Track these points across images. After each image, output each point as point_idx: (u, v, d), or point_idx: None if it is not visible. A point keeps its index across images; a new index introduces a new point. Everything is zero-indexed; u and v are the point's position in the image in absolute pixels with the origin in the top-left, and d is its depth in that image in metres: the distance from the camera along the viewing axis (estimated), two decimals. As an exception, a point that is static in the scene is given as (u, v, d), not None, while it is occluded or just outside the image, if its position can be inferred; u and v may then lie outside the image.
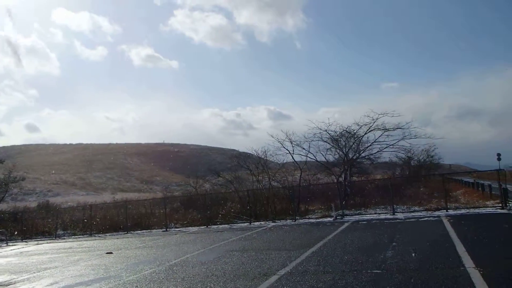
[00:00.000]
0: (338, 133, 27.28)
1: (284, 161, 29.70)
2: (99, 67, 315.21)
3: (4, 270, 14.85)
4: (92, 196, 68.81)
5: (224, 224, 24.40)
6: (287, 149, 28.00)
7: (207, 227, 24.18)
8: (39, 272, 13.72)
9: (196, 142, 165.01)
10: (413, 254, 10.66)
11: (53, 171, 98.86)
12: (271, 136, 28.21)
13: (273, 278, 9.33)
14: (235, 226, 23.51)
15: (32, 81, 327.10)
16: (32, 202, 63.37)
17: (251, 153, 33.90)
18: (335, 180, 27.64)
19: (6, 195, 40.87)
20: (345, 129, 27.09)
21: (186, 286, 9.41)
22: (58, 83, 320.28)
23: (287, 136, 27.85)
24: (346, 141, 27.65)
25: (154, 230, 24.93)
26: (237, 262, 11.74)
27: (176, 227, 25.48)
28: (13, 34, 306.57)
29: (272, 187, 27.41)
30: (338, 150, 28.24)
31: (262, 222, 23.63)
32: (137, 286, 9.91)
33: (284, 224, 22.03)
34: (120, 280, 10.87)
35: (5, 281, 12.65)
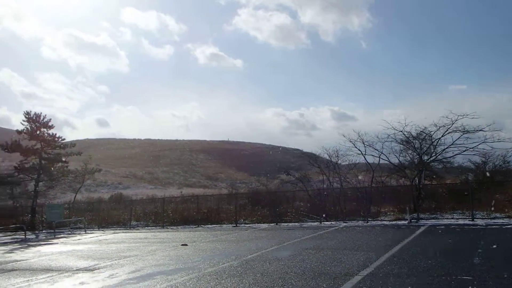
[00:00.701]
0: (413, 134, 26.27)
1: (357, 162, 29.02)
2: (166, 65, 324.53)
3: (87, 256, 15.56)
4: (159, 190, 70.99)
5: (294, 222, 24.28)
6: (359, 149, 27.38)
7: (276, 224, 24.18)
8: (119, 259, 14.22)
9: (258, 141, 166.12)
10: (504, 262, 10.02)
11: (123, 165, 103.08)
12: (343, 135, 27.62)
13: (356, 279, 9.07)
14: (305, 224, 23.32)
15: (102, 78, 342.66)
16: (104, 194, 66.33)
17: (315, 153, 33.59)
18: (407, 183, 26.72)
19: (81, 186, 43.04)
20: (422, 130, 26.04)
21: (267, 281, 9.36)
22: (126, 80, 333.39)
23: (359, 136, 27.23)
24: (421, 142, 26.57)
25: (224, 225, 25.27)
26: (315, 260, 11.56)
27: (245, 223, 25.68)
28: (84, 32, 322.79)
29: (343, 187, 26.92)
30: (411, 152, 27.24)
31: (332, 222, 23.30)
32: (217, 279, 9.97)
33: (356, 225, 21.58)
34: (199, 272, 11.01)
35: (90, 266, 13.23)
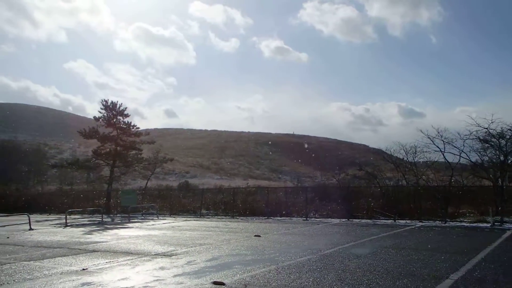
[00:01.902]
0: (498, 132, 24.51)
1: (434, 159, 27.59)
2: (231, 58, 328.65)
3: (163, 242, 15.85)
4: (225, 180, 71.98)
5: (366, 219, 23.57)
6: (437, 146, 26.00)
7: (348, 220, 23.58)
8: (195, 247, 14.34)
9: (323, 135, 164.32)
10: None
11: (190, 155, 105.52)
12: (421, 131, 26.22)
13: (447, 282, 8.51)
14: (379, 222, 22.56)
15: (170, 70, 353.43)
16: (171, 182, 68.11)
17: (382, 148, 32.36)
18: (489, 184, 25.12)
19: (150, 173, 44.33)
20: (509, 128, 24.26)
21: (350, 278, 8.99)
22: (194, 72, 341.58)
23: (438, 132, 25.86)
24: (506, 142, 24.76)
25: (294, 218, 25.02)
26: (397, 260, 11.03)
27: (315, 217, 25.28)
28: (153, 26, 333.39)
29: (419, 186, 25.72)
30: (495, 151, 25.50)
31: (407, 221, 22.37)
32: (297, 273, 9.73)
33: (433, 225, 20.58)
34: (277, 264, 10.81)
35: (168, 252, 13.43)
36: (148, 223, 23.96)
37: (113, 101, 34.83)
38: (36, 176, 71.96)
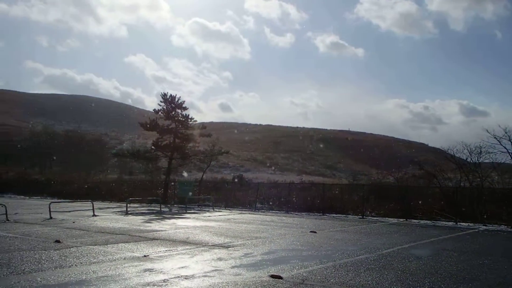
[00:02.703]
0: None
1: (501, 161, 26.25)
2: (286, 53, 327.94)
3: (220, 233, 16.10)
4: (279, 175, 72.02)
5: (425, 219, 22.84)
6: (504, 147, 24.75)
7: (406, 220, 22.97)
8: (251, 239, 14.46)
9: (379, 132, 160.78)
10: None
11: (245, 149, 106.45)
12: (486, 130, 25.06)
13: (516, 290, 8.10)
14: (439, 223, 21.82)
15: (226, 64, 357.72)
16: (226, 175, 68.94)
17: (442, 148, 31.10)
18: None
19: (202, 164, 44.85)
20: None
21: (410, 280, 8.76)
22: (249, 67, 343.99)
23: (505, 133, 24.59)
24: None
25: (350, 215, 24.67)
26: (460, 264, 10.64)
27: (372, 216, 24.82)
28: (210, 21, 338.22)
29: (483, 188, 24.59)
30: None
31: (469, 224, 21.49)
32: (355, 271, 9.60)
33: (498, 230, 19.67)
34: (334, 261, 10.72)
35: (225, 243, 13.62)
36: (204, 214, 24.40)
37: (172, 94, 35.70)
38: (98, 165, 75.02)
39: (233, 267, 10.03)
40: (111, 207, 28.72)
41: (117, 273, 9.24)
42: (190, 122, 35.94)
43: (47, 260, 10.59)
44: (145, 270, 9.59)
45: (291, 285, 8.35)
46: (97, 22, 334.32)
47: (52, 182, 46.25)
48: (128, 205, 26.51)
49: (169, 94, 35.67)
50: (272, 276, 9.02)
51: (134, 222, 19.84)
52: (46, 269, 9.57)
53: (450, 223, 21.64)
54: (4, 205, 21.78)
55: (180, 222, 20.14)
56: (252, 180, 53.65)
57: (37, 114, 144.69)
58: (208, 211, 26.83)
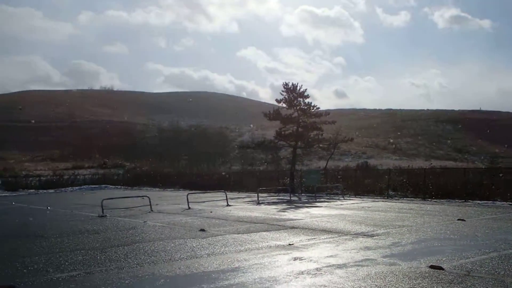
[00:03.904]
0: None
1: None
2: (402, 32, 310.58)
3: (358, 222, 15.60)
4: (404, 161, 68.79)
5: None
6: None
7: None
8: (394, 228, 13.77)
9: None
10: None
11: (359, 135, 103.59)
12: None
13: None
14: None
15: (338, 50, 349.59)
16: (347, 162, 67.70)
17: None
18: None
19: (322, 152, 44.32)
20: None
21: None
22: (362, 50, 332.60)
23: None
24: None
25: (498, 202, 22.46)
26: None
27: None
28: (318, 7, 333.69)
29: None
30: None
31: None
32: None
33: None
34: (499, 252, 9.76)
35: (368, 232, 13.13)
36: (335, 203, 23.96)
37: (294, 83, 35.60)
38: (220, 157, 78.11)
39: (384, 256, 9.55)
40: (241, 197, 29.57)
41: (268, 261, 9.28)
42: (313, 110, 35.61)
43: (198, 248, 11.03)
44: (295, 259, 9.51)
45: (455, 277, 7.67)
46: (209, 20, 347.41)
47: (186, 174, 48.94)
48: (259, 195, 27.00)
49: (290, 84, 35.68)
50: (432, 267, 8.39)
51: (268, 211, 20.09)
52: (200, 257, 9.94)
53: None
54: (148, 196, 23.49)
55: (313, 211, 19.97)
56: (377, 167, 51.98)
57: (162, 111, 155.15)
58: (338, 199, 26.33)
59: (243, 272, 8.38)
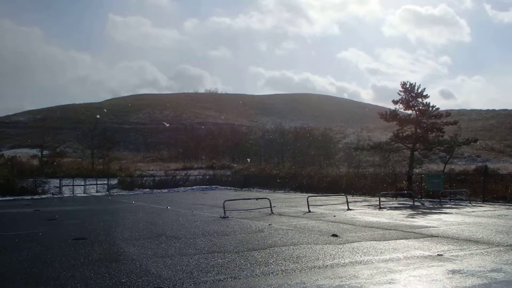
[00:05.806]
0: None
1: None
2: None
3: (504, 232, 14.39)
4: (527, 165, 62.87)
5: None
6: None
7: None
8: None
9: None
10: None
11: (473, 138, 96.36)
12: None
13: None
14: None
15: (443, 49, 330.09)
16: (461, 166, 63.51)
17: None
18: None
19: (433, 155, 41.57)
20: None
21: None
22: (470, 49, 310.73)
23: None
24: None
25: None
26: None
27: None
28: (421, 6, 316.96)
29: None
30: None
31: None
32: None
33: None
34: None
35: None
36: (464, 209, 22.38)
37: (412, 83, 34.03)
38: (325, 159, 77.14)
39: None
40: (357, 201, 28.77)
41: (424, 274, 8.81)
42: (432, 111, 33.80)
43: (340, 256, 10.80)
44: (453, 272, 8.89)
45: None
46: (309, 24, 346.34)
47: (295, 176, 48.67)
48: (375, 198, 26.07)
49: (408, 83, 34.17)
50: None
51: (395, 217, 19.32)
52: (344, 265, 9.71)
53: None
54: (268, 198, 23.63)
55: (445, 217, 18.80)
56: (495, 171, 48.07)
57: (265, 113, 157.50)
58: (466, 206, 24.59)
59: (403, 286, 7.97)
